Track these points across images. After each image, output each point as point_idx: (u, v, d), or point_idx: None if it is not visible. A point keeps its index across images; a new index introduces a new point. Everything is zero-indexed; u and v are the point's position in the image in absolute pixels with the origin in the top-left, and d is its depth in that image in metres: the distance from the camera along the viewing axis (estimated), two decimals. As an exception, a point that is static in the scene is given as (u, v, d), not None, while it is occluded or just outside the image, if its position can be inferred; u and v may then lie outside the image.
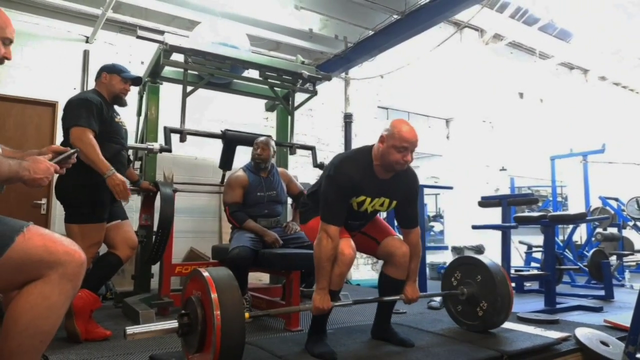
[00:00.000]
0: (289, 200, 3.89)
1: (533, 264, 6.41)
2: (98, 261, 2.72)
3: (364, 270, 6.06)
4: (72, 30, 4.49)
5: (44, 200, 4.20)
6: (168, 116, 3.91)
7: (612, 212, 7.16)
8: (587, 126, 9.09)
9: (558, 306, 3.85)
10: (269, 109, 5.25)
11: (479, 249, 7.11)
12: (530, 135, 8.22)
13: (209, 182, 4.56)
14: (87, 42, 4.54)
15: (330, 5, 4.93)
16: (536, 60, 8.44)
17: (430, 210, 9.02)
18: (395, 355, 2.15)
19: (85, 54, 4.51)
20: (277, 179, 3.49)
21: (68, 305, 1.40)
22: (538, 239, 6.03)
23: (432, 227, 8.47)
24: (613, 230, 6.50)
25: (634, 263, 6.86)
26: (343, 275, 2.21)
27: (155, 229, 3.36)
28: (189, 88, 3.71)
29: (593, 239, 6.34)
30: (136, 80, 2.90)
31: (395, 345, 2.29)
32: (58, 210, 2.65)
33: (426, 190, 5.66)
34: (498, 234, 4.04)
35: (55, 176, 2.58)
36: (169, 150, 3.60)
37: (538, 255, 6.32)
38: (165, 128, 3.62)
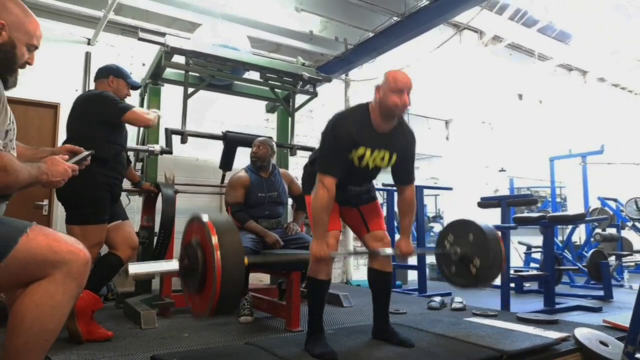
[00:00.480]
0: (290, 201, 3.91)
1: (532, 265, 6.43)
2: (99, 262, 2.73)
3: (364, 271, 6.07)
4: (74, 33, 4.50)
5: (45, 202, 4.21)
6: (169, 118, 3.93)
7: (611, 212, 7.19)
8: (586, 127, 9.11)
9: (557, 306, 3.88)
10: (270, 110, 5.27)
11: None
12: (530, 136, 8.23)
13: (210, 183, 4.58)
14: (88, 44, 4.55)
15: (331, 7, 4.95)
16: (535, 62, 8.46)
17: (430, 211, 9.03)
18: (395, 355, 2.15)
19: (87, 55, 4.52)
20: (279, 179, 3.51)
21: (72, 304, 1.41)
22: (537, 240, 6.06)
23: (432, 227, 8.48)
24: (612, 230, 6.53)
25: (632, 263, 6.89)
26: (327, 263, 2.25)
27: (156, 230, 3.37)
28: (190, 90, 3.73)
29: (592, 239, 6.37)
30: (137, 87, 2.99)
31: (395, 346, 2.29)
32: (60, 212, 2.67)
33: (426, 191, 5.68)
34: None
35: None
36: (170, 152, 3.62)
37: (537, 256, 6.35)
38: (166, 130, 3.64)
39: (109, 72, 2.83)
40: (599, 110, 9.57)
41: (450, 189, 6.22)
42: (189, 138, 3.71)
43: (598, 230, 6.42)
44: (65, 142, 2.56)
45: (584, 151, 7.48)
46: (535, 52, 8.32)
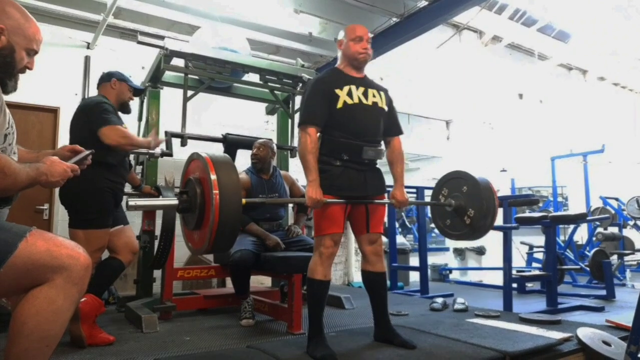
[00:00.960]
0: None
1: (534, 265, 6.43)
2: (100, 266, 2.73)
3: (366, 273, 6.07)
4: (74, 36, 4.52)
5: (46, 206, 4.21)
6: (169, 120, 3.93)
7: (613, 211, 7.18)
8: (587, 126, 9.11)
9: (560, 306, 3.88)
10: (270, 112, 5.27)
11: (480, 250, 7.12)
12: (530, 136, 8.23)
13: (210, 186, 4.57)
14: (88, 47, 4.56)
15: (330, 9, 4.95)
16: (535, 61, 8.47)
17: (431, 211, 9.01)
18: (397, 357, 2.14)
19: (87, 59, 4.53)
20: (280, 181, 3.50)
21: (74, 309, 1.39)
22: (539, 240, 6.06)
23: (433, 228, 8.47)
24: (614, 229, 6.53)
25: (634, 262, 6.88)
26: (325, 264, 2.27)
27: (157, 233, 3.37)
28: (190, 92, 3.73)
29: (594, 238, 6.36)
30: (138, 92, 2.99)
31: (397, 347, 2.28)
32: (60, 216, 2.67)
33: (427, 192, 5.67)
34: (499, 235, 4.05)
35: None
36: (170, 155, 3.62)
37: (539, 256, 6.34)
38: (166, 133, 3.64)
39: (112, 76, 2.85)
40: (599, 109, 9.58)
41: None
42: (189, 141, 3.71)
43: (600, 230, 6.41)
44: None
45: (585, 150, 7.48)
46: (535, 51, 8.33)
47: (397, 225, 5.55)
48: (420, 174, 8.51)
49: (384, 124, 2.43)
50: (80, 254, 1.38)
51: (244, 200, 1.84)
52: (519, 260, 6.66)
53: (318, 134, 2.28)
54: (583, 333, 2.47)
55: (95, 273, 2.65)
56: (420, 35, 4.77)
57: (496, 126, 7.85)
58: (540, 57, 8.45)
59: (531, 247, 6.51)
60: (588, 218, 5.20)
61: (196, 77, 3.98)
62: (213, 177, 1.72)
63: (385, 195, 2.49)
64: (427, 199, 5.96)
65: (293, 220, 3.73)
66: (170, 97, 4.04)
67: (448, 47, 6.19)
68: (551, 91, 8.91)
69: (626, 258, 6.27)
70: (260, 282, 4.61)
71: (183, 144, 3.68)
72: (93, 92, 4.45)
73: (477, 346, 2.30)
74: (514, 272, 4.22)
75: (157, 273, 3.58)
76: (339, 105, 2.27)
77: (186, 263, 4.57)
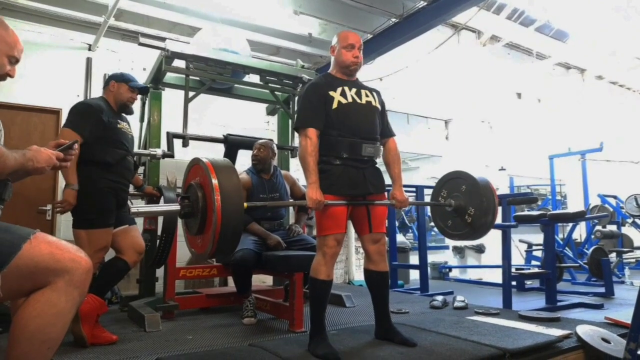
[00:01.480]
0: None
1: (533, 263, 6.45)
2: (106, 266, 2.75)
3: (366, 272, 6.09)
4: (75, 38, 4.53)
5: (49, 207, 4.23)
6: (170, 121, 3.95)
7: (611, 209, 7.21)
8: (585, 125, 9.14)
9: (559, 304, 3.90)
10: (270, 112, 5.29)
11: (479, 248, 7.15)
12: (529, 134, 8.26)
13: (212, 186, 4.59)
14: (89, 49, 4.58)
15: (329, 10, 4.97)
16: (533, 61, 8.49)
17: (431, 210, 9.04)
18: (398, 355, 2.16)
19: (88, 61, 4.55)
20: (281, 181, 3.52)
21: (75, 312, 1.41)
22: (538, 238, 6.08)
23: (433, 227, 8.49)
24: (612, 227, 6.56)
25: (633, 260, 6.91)
26: (329, 264, 2.29)
27: (159, 233, 3.39)
28: (191, 93, 3.76)
29: (592, 236, 6.39)
30: (143, 90, 2.96)
31: (398, 345, 2.30)
32: (63, 216, 2.69)
33: (426, 191, 5.70)
34: (498, 233, 4.08)
35: (62, 183, 2.63)
36: (172, 156, 3.65)
37: (538, 254, 6.37)
38: (167, 133, 3.66)
39: (111, 78, 2.86)
40: (597, 107, 9.60)
41: (450, 188, 6.24)
42: (191, 141, 3.73)
43: (598, 228, 6.44)
44: None
45: (583, 149, 7.51)
46: (533, 51, 8.36)
47: (397, 224, 5.57)
48: (419, 173, 8.53)
49: (379, 124, 2.47)
50: (82, 257, 1.40)
51: (245, 204, 1.86)
52: (518, 258, 6.69)
53: (317, 135, 2.30)
54: (582, 330, 2.49)
55: (99, 273, 2.67)
56: (419, 35, 4.79)
57: (495, 125, 7.87)
58: (538, 56, 8.48)
59: (530, 245, 6.54)
60: (587, 216, 5.22)
61: (197, 78, 4.01)
62: (214, 181, 1.72)
63: (386, 194, 2.51)
64: (427, 198, 5.98)
65: (294, 219, 3.75)
66: (171, 98, 4.07)
67: (447, 47, 6.21)
68: (549, 90, 8.93)
69: (625, 255, 6.30)
70: (262, 280, 4.64)
71: (184, 144, 3.70)
72: (95, 93, 4.50)
73: (477, 343, 2.32)
74: (513, 270, 4.24)
75: (159, 272, 3.60)
76: (334, 105, 2.31)
77: (188, 262, 4.60)
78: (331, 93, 2.33)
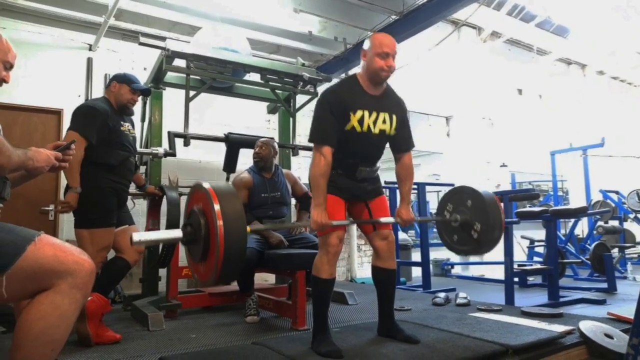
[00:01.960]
0: (293, 201, 3.93)
1: (536, 259, 6.44)
2: (106, 265, 2.76)
3: (368, 269, 6.09)
4: (75, 39, 4.54)
5: (51, 207, 4.23)
6: (171, 121, 3.96)
7: (613, 205, 7.20)
8: (586, 120, 9.12)
9: (561, 300, 3.90)
10: (271, 111, 5.30)
11: (482, 245, 7.13)
12: (530, 131, 8.25)
13: (213, 185, 4.60)
14: (90, 49, 4.58)
15: (329, 8, 4.97)
16: (534, 57, 8.47)
17: (433, 207, 9.04)
18: (401, 352, 2.16)
19: (89, 61, 4.55)
20: (282, 180, 3.53)
21: (78, 314, 1.43)
22: (540, 234, 6.08)
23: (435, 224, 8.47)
24: (614, 223, 6.55)
25: (635, 255, 6.90)
26: (331, 262, 2.26)
27: (162, 233, 3.40)
28: (192, 93, 3.76)
29: (595, 232, 6.38)
30: (145, 92, 2.96)
31: (400, 342, 2.30)
32: (66, 217, 2.70)
33: (428, 188, 5.70)
34: (500, 230, 4.06)
35: (64, 182, 2.65)
36: (173, 155, 3.65)
37: (540, 250, 6.36)
38: (169, 133, 3.67)
39: (114, 79, 2.86)
40: (598, 103, 9.58)
41: (452, 185, 6.23)
42: (192, 140, 3.74)
43: (600, 223, 6.43)
44: None
45: (585, 144, 7.50)
46: (534, 47, 8.34)
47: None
48: (420, 170, 8.53)
49: (395, 139, 2.39)
50: (85, 260, 1.41)
51: (249, 228, 1.82)
52: (520, 255, 6.69)
53: (332, 154, 2.21)
54: (585, 326, 2.48)
55: (101, 272, 2.68)
56: (419, 32, 4.78)
57: (496, 122, 7.86)
58: (539, 52, 8.46)
59: (532, 241, 6.53)
60: (588, 212, 5.23)
61: (198, 77, 4.01)
62: (217, 207, 1.69)
63: (386, 197, 2.51)
64: (428, 195, 5.99)
65: (296, 218, 3.76)
66: (172, 98, 4.07)
67: (447, 44, 6.21)
68: (550, 86, 8.91)
69: (627, 251, 6.29)
70: (264, 279, 4.65)
71: (186, 143, 3.71)
72: (95, 93, 4.51)
73: (480, 340, 2.32)
74: (515, 266, 4.24)
75: (162, 272, 3.61)
76: (348, 127, 2.23)
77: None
78: (350, 114, 2.22)
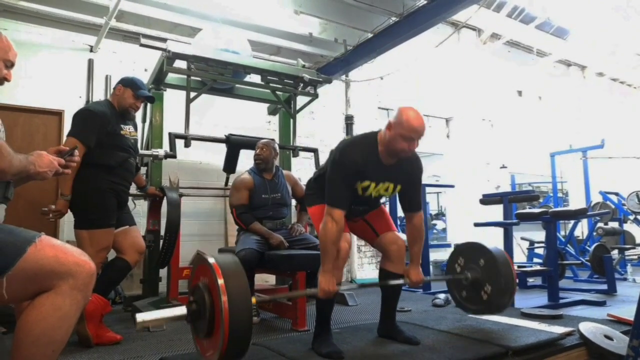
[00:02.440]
0: (293, 202, 3.94)
1: (535, 260, 6.45)
2: (107, 266, 2.77)
3: (368, 270, 6.11)
4: (77, 40, 4.54)
5: (53, 207, 4.24)
6: (172, 122, 3.97)
7: (613, 206, 7.20)
8: (586, 122, 9.13)
9: (561, 301, 3.90)
10: (272, 112, 5.31)
11: (482, 247, 7.13)
12: (530, 132, 8.26)
13: (214, 186, 4.61)
14: (91, 51, 4.59)
15: (329, 9, 4.98)
16: (534, 58, 8.48)
17: (433, 208, 9.07)
18: (401, 353, 2.17)
19: (90, 62, 4.56)
20: (282, 181, 3.53)
21: (79, 315, 1.43)
22: (540, 235, 6.08)
23: (435, 225, 8.51)
24: (614, 224, 6.55)
25: (635, 257, 6.89)
26: (339, 267, 2.25)
27: (162, 233, 3.41)
28: (192, 94, 3.77)
29: (594, 233, 6.38)
30: (149, 99, 2.98)
31: (401, 343, 2.31)
32: (66, 217, 2.71)
33: (428, 189, 5.71)
34: (500, 231, 4.08)
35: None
36: (174, 156, 3.66)
37: (540, 251, 6.36)
38: (169, 134, 3.68)
39: (120, 82, 2.87)
40: (598, 104, 9.60)
41: (452, 186, 6.26)
42: (192, 142, 3.74)
43: (600, 225, 6.43)
44: None
45: (585, 146, 7.50)
46: (534, 48, 8.35)
47: (399, 223, 5.58)
48: (421, 172, 8.51)
49: (402, 199, 2.41)
50: (86, 261, 1.41)
51: (254, 299, 1.79)
52: (519, 256, 6.70)
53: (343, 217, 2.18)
54: (585, 327, 2.49)
55: (101, 273, 2.69)
56: (419, 34, 4.79)
57: (496, 123, 7.87)
58: (538, 53, 8.47)
59: (532, 242, 6.53)
60: (588, 213, 5.22)
61: (198, 78, 4.02)
62: (220, 282, 1.65)
63: (385, 206, 2.56)
64: (428, 196, 5.99)
65: (296, 218, 3.76)
66: (173, 99, 4.08)
67: (447, 46, 6.22)
68: (550, 87, 8.93)
69: (627, 252, 6.28)
70: (265, 280, 4.66)
71: (186, 145, 3.72)
72: (96, 94, 4.52)
73: (480, 341, 2.33)
74: (515, 267, 4.24)
75: (163, 272, 3.62)
76: (353, 188, 2.24)
77: (191, 262, 4.61)
78: (358, 182, 2.23)
